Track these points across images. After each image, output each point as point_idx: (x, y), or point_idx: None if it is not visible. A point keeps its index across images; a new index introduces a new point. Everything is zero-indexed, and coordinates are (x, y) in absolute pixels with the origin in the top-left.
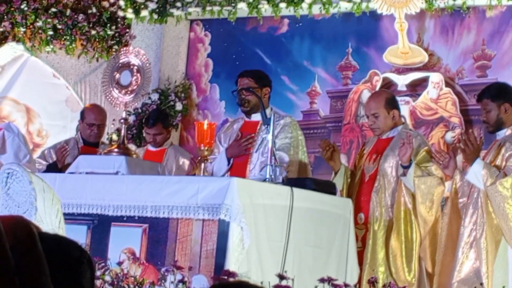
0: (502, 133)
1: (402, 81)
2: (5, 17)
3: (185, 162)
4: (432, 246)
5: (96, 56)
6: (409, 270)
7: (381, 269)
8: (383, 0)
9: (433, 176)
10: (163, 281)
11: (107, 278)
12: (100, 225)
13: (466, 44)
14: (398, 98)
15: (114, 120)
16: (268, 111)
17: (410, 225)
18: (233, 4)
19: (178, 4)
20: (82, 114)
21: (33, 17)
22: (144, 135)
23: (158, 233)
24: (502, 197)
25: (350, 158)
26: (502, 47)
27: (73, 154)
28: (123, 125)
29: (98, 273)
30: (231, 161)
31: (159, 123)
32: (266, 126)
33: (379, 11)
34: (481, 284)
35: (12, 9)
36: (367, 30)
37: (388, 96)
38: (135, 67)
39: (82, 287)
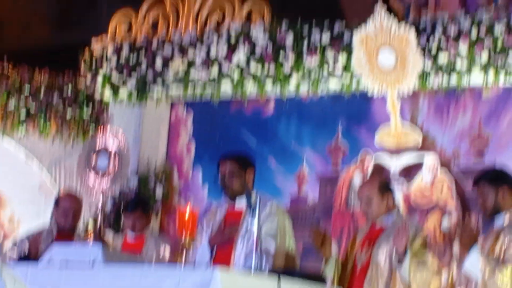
0: (500, 219)
1: (395, 164)
2: None
3: (165, 251)
4: None
5: (71, 138)
6: None
7: None
8: (374, 79)
9: (429, 266)
10: None
11: None
12: None
13: (462, 125)
14: (392, 182)
15: (90, 206)
16: (253, 195)
17: None
18: (216, 84)
19: (158, 83)
20: (57, 200)
21: (4, 97)
22: (122, 220)
23: None
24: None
25: (341, 247)
26: (499, 128)
27: (47, 243)
28: (99, 213)
29: None
30: (215, 249)
31: (139, 210)
32: (251, 212)
33: (370, 91)
34: None
35: None
36: (358, 111)
37: (382, 180)
38: (113, 151)
39: None
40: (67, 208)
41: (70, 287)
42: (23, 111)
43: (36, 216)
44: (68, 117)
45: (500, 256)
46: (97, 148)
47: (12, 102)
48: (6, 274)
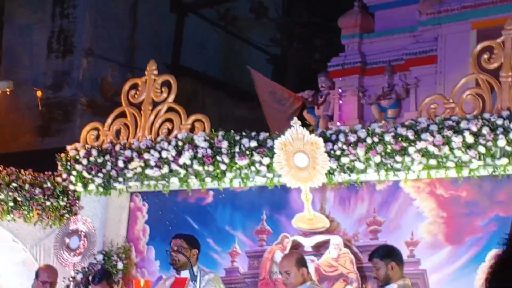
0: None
1: (308, 243)
2: None
3: None
4: None
5: (50, 223)
6: None
7: None
8: (291, 176)
9: None
10: None
11: None
12: None
13: (360, 212)
14: (306, 257)
15: (64, 278)
16: (195, 268)
17: None
18: (166, 179)
19: (120, 179)
20: (37, 273)
21: None
22: None
23: None
24: None
25: None
26: (390, 215)
27: None
28: (72, 283)
29: None
30: None
31: (104, 280)
32: (193, 281)
33: (288, 185)
34: None
35: None
36: (279, 200)
37: (298, 256)
38: (83, 233)
39: None
40: (45, 279)
41: None
42: (10, 202)
43: (20, 286)
44: (47, 206)
45: None
46: (70, 231)
47: (2, 195)
48: None
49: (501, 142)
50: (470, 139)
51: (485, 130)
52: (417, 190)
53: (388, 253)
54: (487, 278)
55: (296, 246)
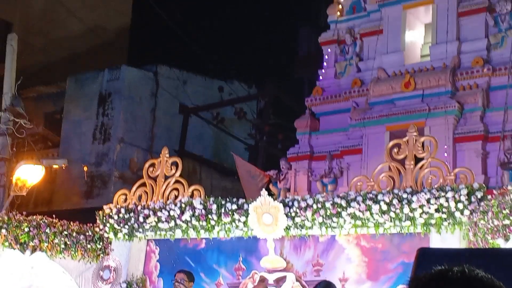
0: None
1: (271, 277)
2: (35, 237)
3: None
4: None
5: (89, 260)
6: None
7: None
8: (260, 230)
9: None
10: None
11: None
12: None
13: (308, 256)
14: None
15: None
16: None
17: None
18: (172, 230)
19: (140, 230)
20: None
21: (52, 237)
22: None
23: None
24: None
25: None
26: (328, 259)
27: None
28: None
29: None
30: None
31: None
32: None
33: (258, 236)
34: None
35: (40, 231)
36: (251, 247)
37: (265, 286)
38: (113, 268)
39: None
40: None
41: None
42: (62, 245)
43: None
44: (88, 248)
45: None
46: (103, 266)
47: (56, 239)
48: None
49: (406, 209)
50: (384, 207)
51: (394, 201)
52: (348, 241)
53: (327, 286)
54: None
55: (262, 279)
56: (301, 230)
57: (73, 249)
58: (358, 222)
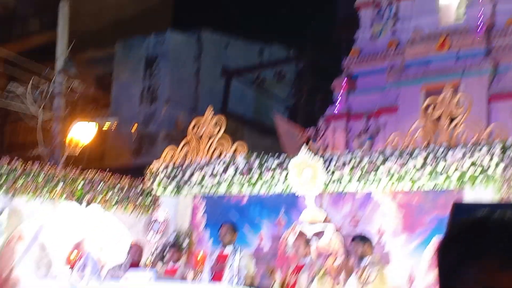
0: (365, 260)
1: (311, 230)
2: (90, 191)
3: (188, 274)
4: None
5: (140, 213)
6: None
7: None
8: (300, 186)
9: (327, 285)
10: None
11: None
12: None
13: (345, 211)
14: (309, 240)
15: (149, 250)
16: (235, 245)
17: None
18: (217, 186)
19: (187, 185)
20: (130, 247)
21: (105, 192)
22: (166, 257)
23: None
24: None
25: (282, 273)
26: (365, 213)
27: (125, 270)
28: (154, 253)
29: None
30: (213, 273)
31: (176, 248)
32: (233, 255)
33: (297, 193)
34: None
35: (94, 186)
36: (291, 202)
37: (304, 239)
38: (162, 220)
39: None
40: (136, 250)
41: None
42: (115, 199)
43: (120, 255)
44: (139, 202)
45: (365, 281)
46: (153, 219)
47: (109, 194)
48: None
49: (441, 165)
50: (419, 163)
51: (430, 157)
52: (384, 196)
53: (364, 238)
54: (437, 252)
55: (302, 232)
56: (339, 186)
57: (125, 203)
58: (394, 178)
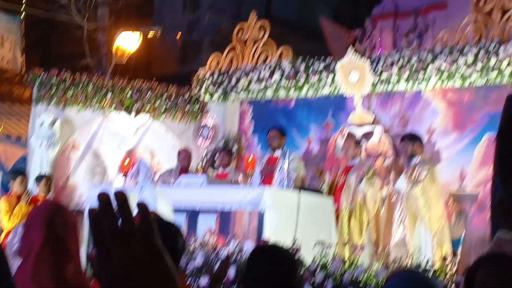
0: (415, 159)
1: (359, 132)
2: (138, 100)
3: (239, 178)
4: (376, 224)
5: (189, 120)
6: (361, 237)
7: (348, 236)
8: (347, 87)
9: (376, 185)
10: (228, 244)
11: (197, 244)
12: (193, 215)
13: (394, 111)
14: (358, 141)
15: (199, 156)
16: (284, 149)
17: (361, 212)
18: (263, 91)
19: (233, 91)
20: (179, 153)
21: (153, 100)
22: (216, 162)
23: (225, 218)
24: (414, 196)
25: (331, 174)
26: (415, 112)
27: (175, 175)
28: (204, 158)
29: (191, 241)
30: (263, 177)
31: (226, 152)
32: (283, 157)
33: (345, 95)
34: (406, 245)
35: (142, 95)
36: (339, 104)
37: (353, 140)
38: (211, 126)
39: (177, 249)
40: (185, 156)
41: (189, 197)
42: (163, 107)
43: (170, 162)
44: (186, 109)
45: (415, 179)
46: (202, 125)
47: (157, 103)
48: (157, 191)
49: (492, 60)
50: (470, 59)
51: (481, 54)
52: (434, 95)
53: (414, 137)
54: (496, 140)
55: (351, 134)
56: (387, 86)
57: (173, 111)
58: (444, 76)
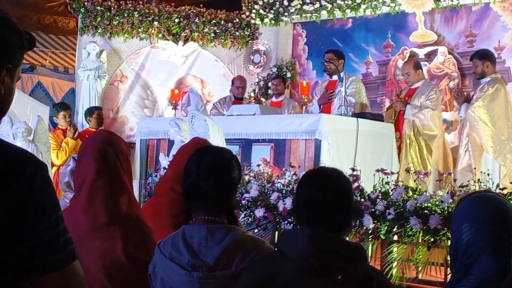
0: (484, 80)
1: (421, 52)
2: (186, 27)
3: (294, 106)
4: (442, 150)
5: (239, 47)
6: (427, 164)
7: (411, 164)
8: (408, 4)
9: (439, 109)
10: (284, 175)
11: (251, 174)
12: (246, 145)
13: (460, 28)
14: (420, 63)
15: (251, 84)
16: (342, 73)
17: (424, 138)
18: (318, 12)
19: (286, 14)
20: (233, 81)
21: (202, 26)
22: (271, 88)
23: (280, 148)
24: (477, 120)
25: (391, 100)
26: (482, 28)
27: (229, 105)
28: (257, 86)
29: (245, 171)
30: (321, 106)
31: (279, 80)
32: (341, 82)
33: (406, 11)
34: (472, 170)
35: (190, 21)
36: (399, 23)
37: (415, 62)
38: (262, 52)
39: (231, 177)
40: (239, 85)
41: (242, 126)
42: (212, 33)
43: (222, 92)
44: (237, 35)
45: (485, 100)
46: (253, 50)
47: (206, 29)
48: (208, 121)
49: None
50: None
51: None
52: (503, 9)
53: (484, 55)
54: None
55: (412, 55)
56: (452, 1)
57: (222, 37)
58: None
